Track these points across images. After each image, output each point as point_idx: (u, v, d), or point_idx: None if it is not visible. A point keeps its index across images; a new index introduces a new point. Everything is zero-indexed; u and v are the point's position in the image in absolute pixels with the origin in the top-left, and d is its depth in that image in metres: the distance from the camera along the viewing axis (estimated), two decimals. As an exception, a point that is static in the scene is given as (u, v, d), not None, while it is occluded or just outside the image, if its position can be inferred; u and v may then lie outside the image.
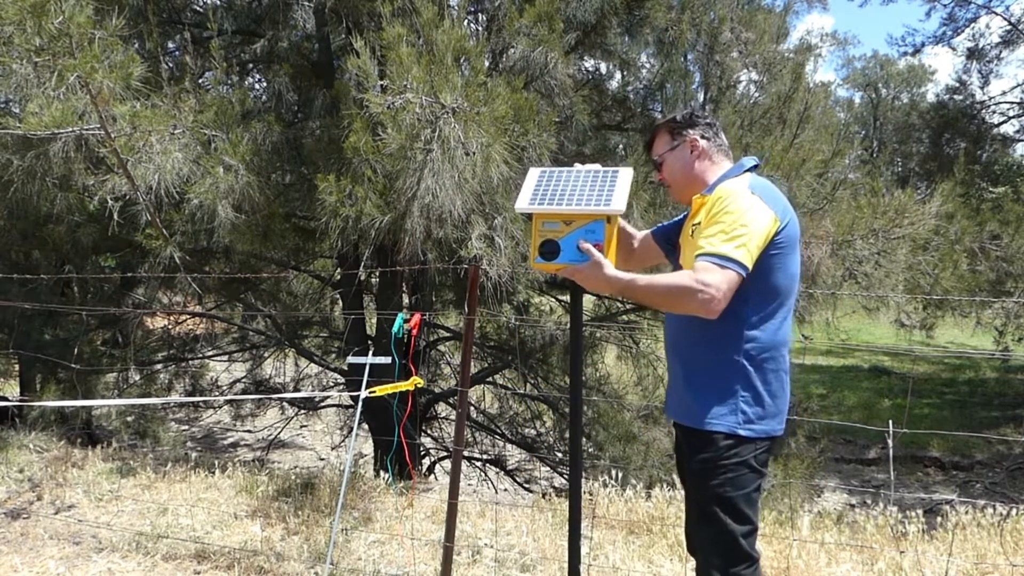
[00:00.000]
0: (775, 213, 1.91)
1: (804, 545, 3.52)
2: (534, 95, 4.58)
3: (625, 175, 2.09)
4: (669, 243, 2.27)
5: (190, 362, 8.13)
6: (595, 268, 1.95)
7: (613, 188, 2.04)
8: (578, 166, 2.19)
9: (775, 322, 1.96)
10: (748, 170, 2.08)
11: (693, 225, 2.02)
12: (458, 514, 3.19)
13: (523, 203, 2.07)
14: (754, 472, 1.94)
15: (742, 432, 1.92)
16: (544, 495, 5.13)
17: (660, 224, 2.36)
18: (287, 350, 8.09)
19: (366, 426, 7.07)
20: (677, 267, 2.16)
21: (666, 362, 2.20)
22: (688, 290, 1.82)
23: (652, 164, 2.20)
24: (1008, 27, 16.09)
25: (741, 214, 1.87)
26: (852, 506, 8.19)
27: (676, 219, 2.30)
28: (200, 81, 5.26)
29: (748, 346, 1.93)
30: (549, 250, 2.01)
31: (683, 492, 2.26)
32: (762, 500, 4.44)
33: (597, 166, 2.17)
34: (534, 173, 2.18)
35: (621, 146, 6.95)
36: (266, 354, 8.46)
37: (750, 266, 1.85)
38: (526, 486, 7.84)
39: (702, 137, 2.12)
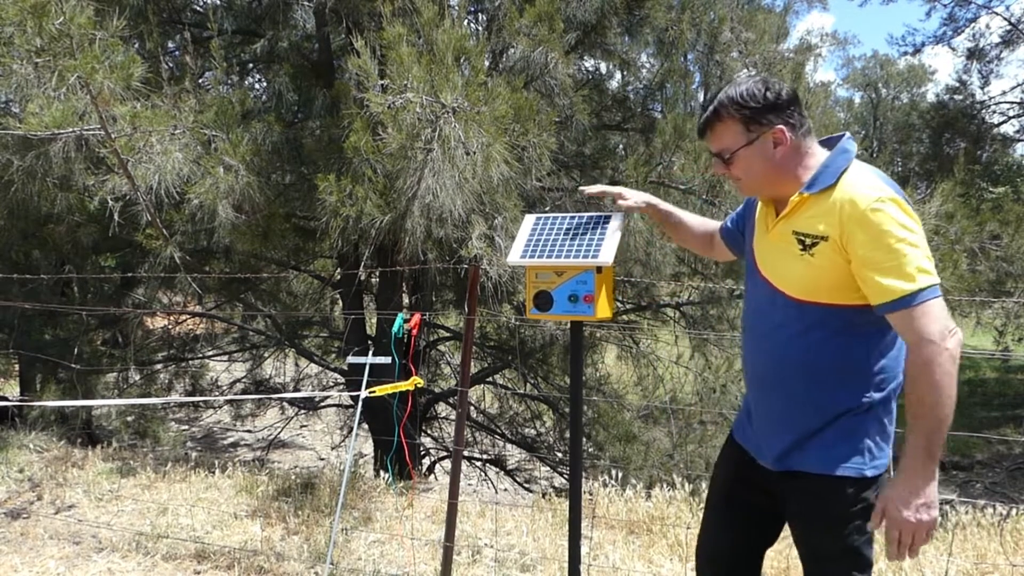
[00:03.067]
0: (915, 213, 1.59)
1: (804, 545, 3.51)
2: (534, 95, 4.58)
3: (615, 223, 2.11)
4: (738, 244, 2.02)
5: (190, 362, 8.13)
6: (906, 492, 1.53)
7: (603, 237, 2.06)
8: (571, 216, 2.15)
9: (897, 341, 1.65)
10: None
11: (801, 235, 1.64)
12: (458, 514, 3.20)
13: (515, 256, 2.13)
14: (872, 509, 1.65)
15: (868, 473, 1.65)
16: (544, 495, 5.13)
17: (728, 220, 2.07)
18: (287, 350, 8.10)
19: (366, 426, 7.08)
20: (753, 270, 1.81)
21: (751, 394, 1.84)
22: (941, 361, 1.47)
23: (716, 157, 1.76)
24: (1008, 27, 16.11)
25: (907, 226, 1.52)
26: (852, 506, 8.17)
27: (739, 212, 2.01)
28: (200, 81, 5.26)
29: (879, 378, 1.64)
30: (543, 301, 2.07)
31: (728, 523, 1.92)
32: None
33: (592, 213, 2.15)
34: (529, 221, 2.23)
35: (621, 146, 6.95)
36: (266, 354, 8.47)
37: None
38: (526, 486, 7.84)
39: (787, 124, 1.67)
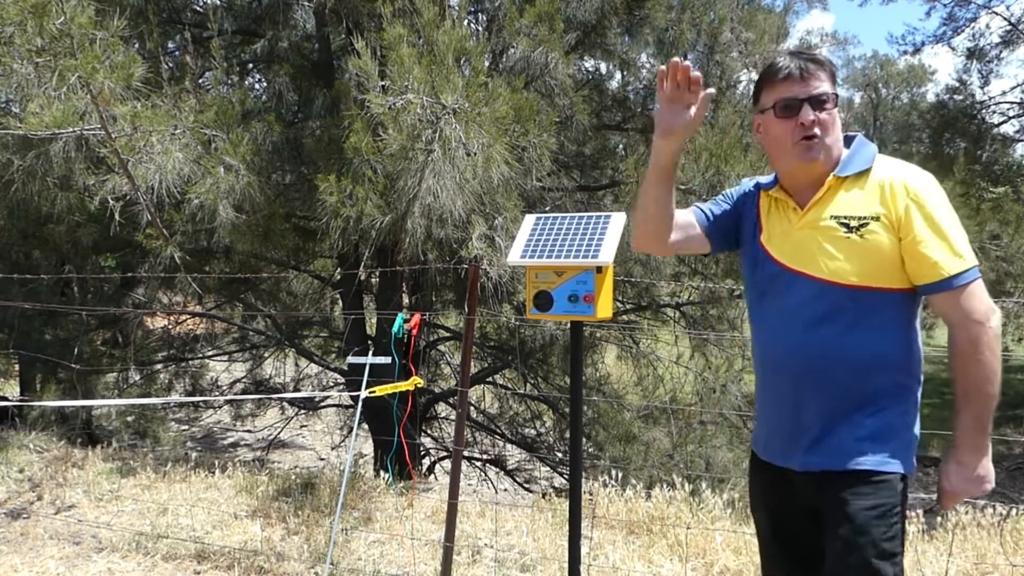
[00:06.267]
0: None
1: (804, 545, 3.50)
2: (534, 95, 4.59)
3: (616, 222, 2.12)
4: (726, 241, 1.86)
5: (190, 362, 8.14)
6: (968, 477, 1.58)
7: (603, 238, 2.07)
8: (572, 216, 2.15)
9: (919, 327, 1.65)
10: None
11: (843, 218, 1.59)
12: (458, 514, 3.20)
13: (515, 256, 2.13)
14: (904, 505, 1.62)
15: (909, 469, 1.61)
16: (544, 495, 5.13)
17: (707, 211, 1.86)
18: (287, 350, 8.10)
19: (366, 426, 7.08)
20: (774, 270, 1.69)
21: (780, 396, 1.70)
22: (988, 340, 1.51)
23: (809, 101, 1.59)
24: (1008, 27, 16.10)
25: (950, 209, 1.57)
26: (852, 506, 8.17)
27: (723, 207, 1.86)
28: (200, 81, 5.27)
29: (918, 367, 1.64)
30: (543, 301, 2.07)
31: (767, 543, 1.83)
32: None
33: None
34: (529, 221, 2.23)
35: (621, 146, 6.95)
36: (266, 354, 8.47)
37: None
38: (526, 486, 7.84)
39: None
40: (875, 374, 1.58)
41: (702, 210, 1.87)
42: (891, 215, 1.55)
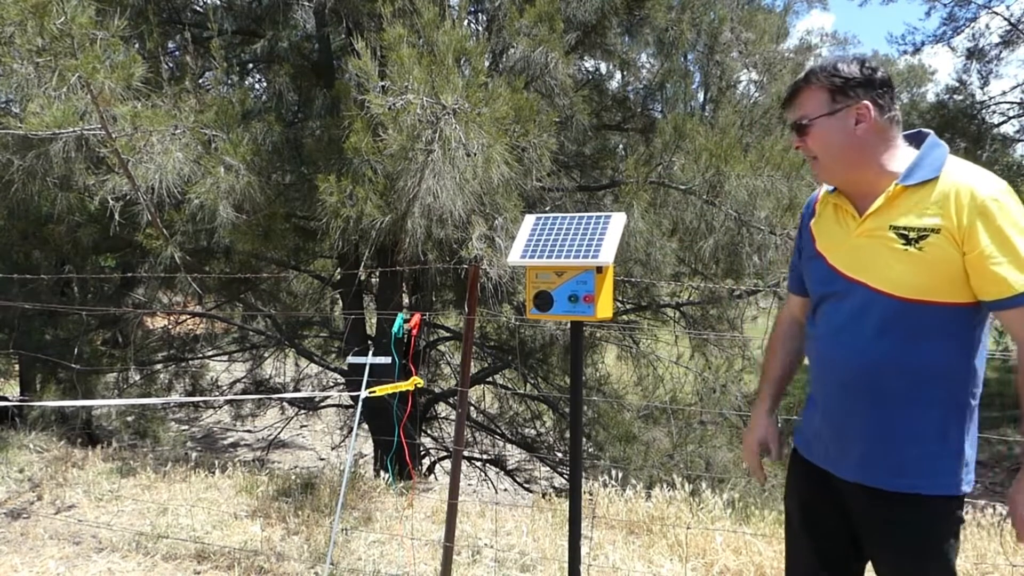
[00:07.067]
0: None
1: (804, 545, 3.50)
2: (534, 95, 4.59)
3: (616, 222, 2.13)
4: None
5: (190, 362, 8.14)
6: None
7: (603, 238, 2.08)
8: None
9: (984, 340, 1.58)
10: None
11: (902, 229, 1.53)
12: (458, 514, 3.20)
13: (515, 256, 2.14)
14: (959, 524, 1.60)
15: (965, 489, 1.57)
16: (544, 495, 5.13)
17: (795, 283, 1.89)
18: (287, 350, 8.10)
19: (366, 426, 7.08)
20: (830, 275, 1.66)
21: (831, 404, 1.67)
22: None
23: (793, 127, 1.65)
24: (1008, 27, 16.09)
25: (1021, 213, 1.48)
26: (852, 506, 8.15)
27: (795, 268, 1.88)
28: (200, 81, 5.27)
29: (975, 382, 1.56)
30: (543, 301, 2.08)
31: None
32: (763, 500, 4.45)
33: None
34: (529, 221, 2.24)
35: (621, 146, 6.95)
36: (266, 354, 8.47)
37: None
38: (526, 486, 7.85)
39: (875, 104, 1.55)
40: (930, 388, 1.53)
41: (791, 283, 1.92)
42: (954, 227, 1.47)
